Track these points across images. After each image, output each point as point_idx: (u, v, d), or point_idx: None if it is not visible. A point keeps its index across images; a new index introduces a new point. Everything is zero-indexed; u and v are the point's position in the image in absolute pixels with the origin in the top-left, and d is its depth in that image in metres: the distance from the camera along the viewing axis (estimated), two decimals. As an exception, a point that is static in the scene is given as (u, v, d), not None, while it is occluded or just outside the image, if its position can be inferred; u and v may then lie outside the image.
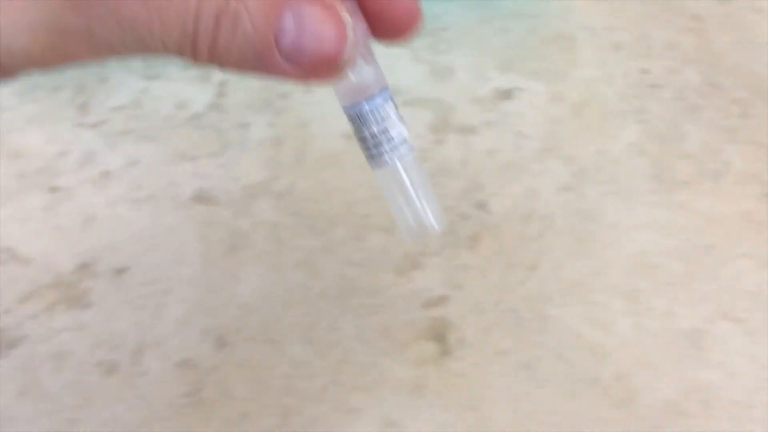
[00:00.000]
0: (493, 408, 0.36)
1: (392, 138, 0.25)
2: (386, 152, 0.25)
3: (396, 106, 0.25)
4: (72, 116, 0.48)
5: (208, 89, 0.50)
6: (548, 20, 0.52)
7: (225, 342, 0.39)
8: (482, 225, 0.42)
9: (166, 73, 0.51)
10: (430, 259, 0.41)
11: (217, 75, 0.50)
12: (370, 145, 0.25)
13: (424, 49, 0.50)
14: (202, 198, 0.43)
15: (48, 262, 0.41)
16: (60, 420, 0.36)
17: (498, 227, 0.42)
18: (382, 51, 0.24)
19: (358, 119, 0.25)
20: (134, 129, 0.47)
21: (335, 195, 0.43)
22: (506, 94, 0.47)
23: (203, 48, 0.21)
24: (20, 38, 0.19)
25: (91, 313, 0.39)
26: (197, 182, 0.44)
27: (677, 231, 0.42)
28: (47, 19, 0.19)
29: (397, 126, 0.25)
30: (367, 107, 0.24)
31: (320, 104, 0.49)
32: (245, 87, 0.50)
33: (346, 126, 0.24)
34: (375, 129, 0.24)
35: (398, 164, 0.25)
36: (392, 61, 0.49)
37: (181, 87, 0.50)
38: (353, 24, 0.22)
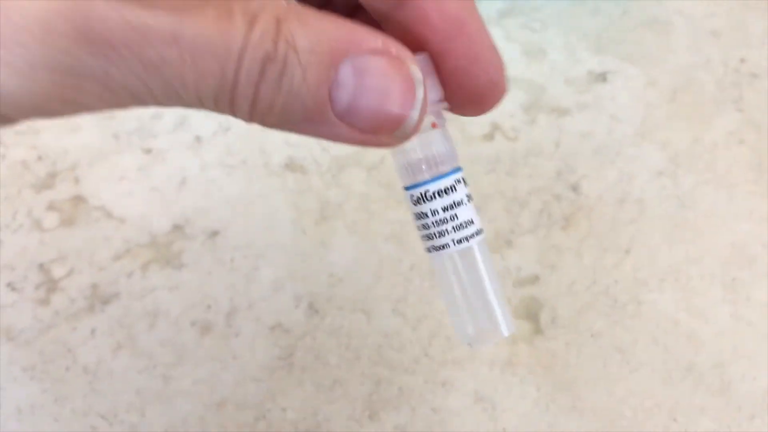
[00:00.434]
0: (585, 389, 0.37)
1: (461, 223, 0.22)
2: (450, 236, 0.22)
3: (467, 188, 0.22)
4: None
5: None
6: (642, 3, 0.51)
7: (316, 309, 0.39)
8: (575, 206, 0.42)
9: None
10: (522, 237, 0.41)
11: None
12: (430, 224, 0.22)
13: (516, 28, 0.50)
14: (293, 166, 0.44)
15: (142, 222, 0.42)
16: (155, 376, 0.37)
17: (591, 209, 0.42)
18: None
19: (422, 197, 0.22)
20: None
21: (426, 170, 0.43)
22: (601, 77, 0.47)
23: (243, 102, 0.17)
24: (17, 80, 0.16)
25: (184, 273, 0.40)
26: (288, 150, 0.45)
27: (775, 222, 0.42)
28: (54, 58, 0.16)
29: (468, 210, 0.22)
30: (434, 186, 0.21)
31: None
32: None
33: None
34: (440, 208, 0.21)
35: (467, 252, 0.22)
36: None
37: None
38: (425, 83, 0.19)
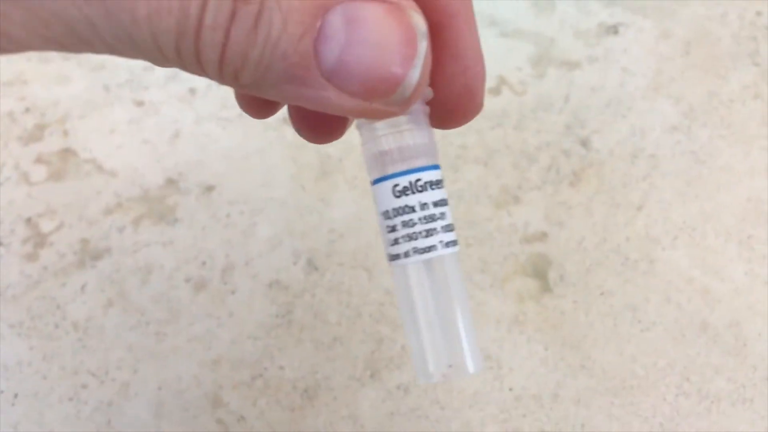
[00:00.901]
0: (595, 348, 0.36)
1: (449, 224, 0.19)
2: (439, 237, 0.19)
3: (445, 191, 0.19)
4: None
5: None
6: (655, -44, 0.50)
7: (315, 266, 0.38)
8: (585, 162, 0.41)
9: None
10: (529, 193, 0.40)
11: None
12: (417, 220, 0.18)
13: (523, -20, 0.49)
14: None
15: (134, 176, 0.41)
16: (148, 333, 0.36)
17: (602, 165, 0.41)
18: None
19: (411, 187, 0.18)
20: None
21: (430, 124, 0.42)
22: (612, 30, 0.46)
23: (211, 52, 0.15)
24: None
25: (178, 228, 0.39)
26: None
27: (793, 179, 0.41)
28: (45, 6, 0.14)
29: (445, 216, 0.19)
30: (428, 175, 0.19)
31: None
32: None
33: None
34: (431, 201, 0.18)
35: (436, 266, 0.19)
36: (490, -10, 0.47)
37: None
38: (429, 35, 0.16)
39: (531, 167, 0.41)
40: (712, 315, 0.36)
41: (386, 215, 0.19)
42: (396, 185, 0.18)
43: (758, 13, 0.48)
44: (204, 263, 0.38)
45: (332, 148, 0.42)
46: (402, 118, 0.19)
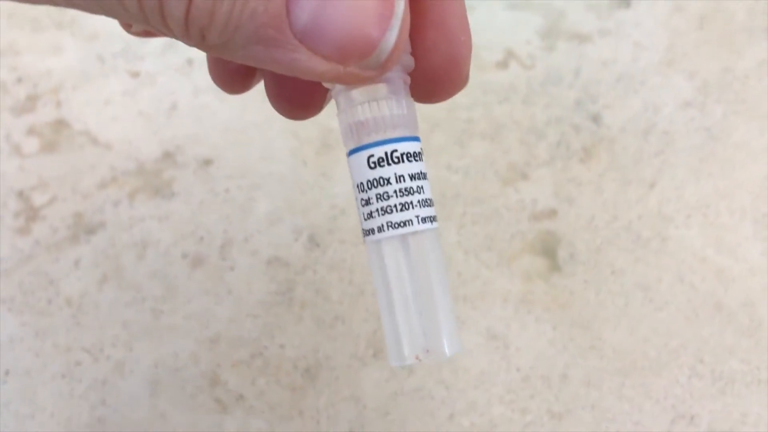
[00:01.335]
0: (606, 328, 0.35)
1: (426, 199, 0.18)
2: (415, 212, 0.18)
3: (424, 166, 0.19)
4: None
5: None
6: (669, -72, 0.49)
7: (317, 242, 0.37)
8: (596, 138, 0.40)
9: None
10: (538, 170, 0.39)
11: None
12: (392, 193, 0.18)
13: (532, -49, 0.48)
14: (292, 92, 0.42)
15: (129, 149, 0.40)
16: (143, 310, 0.36)
17: (613, 141, 0.40)
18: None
19: (386, 158, 0.18)
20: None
21: (436, 98, 0.41)
22: (624, 2, 0.45)
23: (174, 8, 0.14)
24: None
25: (175, 203, 0.38)
26: (287, 76, 0.43)
27: (810, 157, 0.40)
28: None
29: (422, 190, 0.18)
30: (405, 146, 0.18)
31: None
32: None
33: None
34: (407, 174, 0.18)
35: (411, 242, 0.18)
36: (498, -39, 0.46)
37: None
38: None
39: (539, 143, 0.40)
40: (726, 295, 0.36)
41: (360, 188, 0.18)
42: (371, 156, 0.18)
43: (774, -13, 0.47)
44: (201, 239, 0.38)
45: (334, 121, 0.41)
46: (380, 87, 0.18)
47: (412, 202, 0.18)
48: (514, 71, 0.43)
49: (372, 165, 0.18)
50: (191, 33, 0.15)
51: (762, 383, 0.33)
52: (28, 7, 0.44)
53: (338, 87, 0.19)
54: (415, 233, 0.18)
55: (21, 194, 0.39)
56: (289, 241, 0.38)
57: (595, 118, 0.41)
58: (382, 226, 0.18)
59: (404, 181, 0.18)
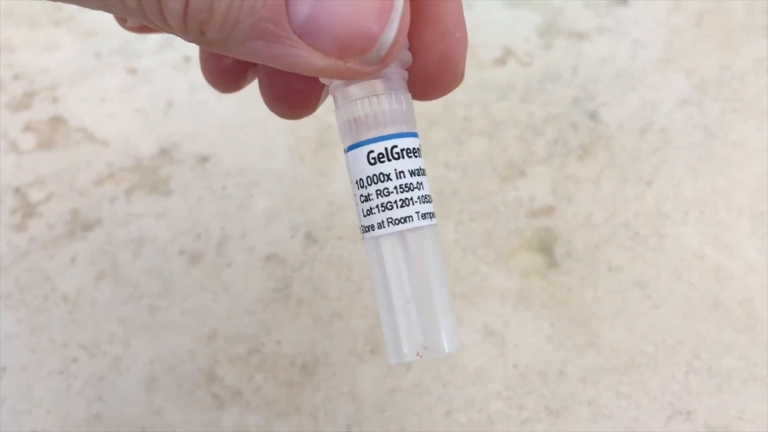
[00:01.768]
0: (603, 325, 0.35)
1: (426, 195, 0.18)
2: (415, 208, 0.18)
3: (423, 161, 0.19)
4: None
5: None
6: (667, -74, 0.49)
7: (314, 239, 0.38)
8: (594, 135, 0.41)
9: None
10: (535, 167, 0.40)
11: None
12: (393, 189, 0.18)
13: (530, -51, 0.48)
14: (289, 90, 0.42)
15: (126, 146, 0.40)
16: (140, 306, 0.36)
17: (611, 138, 0.40)
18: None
19: (386, 154, 0.18)
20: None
21: (433, 95, 0.42)
22: (622, 0, 0.45)
23: (175, 6, 0.14)
24: None
25: (172, 200, 0.39)
26: (284, 73, 0.43)
27: (808, 155, 0.40)
28: None
29: (422, 186, 0.18)
30: (405, 142, 0.18)
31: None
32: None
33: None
34: (407, 170, 0.18)
35: (411, 239, 0.18)
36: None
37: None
38: None
39: (537, 140, 0.41)
40: (723, 292, 0.36)
41: (359, 184, 0.18)
42: (371, 152, 0.18)
43: (773, -14, 0.47)
44: (199, 235, 0.38)
45: (332, 118, 0.41)
46: (378, 83, 0.18)
47: (412, 198, 0.18)
48: (512, 69, 0.43)
49: (372, 161, 0.18)
50: (190, 28, 0.15)
51: (759, 380, 0.34)
52: (25, 5, 0.44)
53: (336, 82, 0.19)
54: (414, 230, 0.18)
55: (18, 191, 0.39)
56: (287, 238, 0.38)
57: (593, 116, 0.41)
58: (382, 222, 0.18)
59: (404, 177, 0.18)
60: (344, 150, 0.19)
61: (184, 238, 0.38)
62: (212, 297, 0.36)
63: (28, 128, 0.41)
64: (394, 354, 0.18)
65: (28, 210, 0.38)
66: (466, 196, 0.39)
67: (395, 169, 0.18)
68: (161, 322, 0.36)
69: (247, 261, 0.37)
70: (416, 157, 0.19)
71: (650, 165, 0.40)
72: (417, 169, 0.18)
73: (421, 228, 0.18)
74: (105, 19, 0.45)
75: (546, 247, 0.38)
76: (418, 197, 0.18)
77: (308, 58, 0.15)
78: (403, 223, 0.18)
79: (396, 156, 0.18)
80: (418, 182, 0.18)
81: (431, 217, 0.19)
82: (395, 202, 0.18)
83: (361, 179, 0.18)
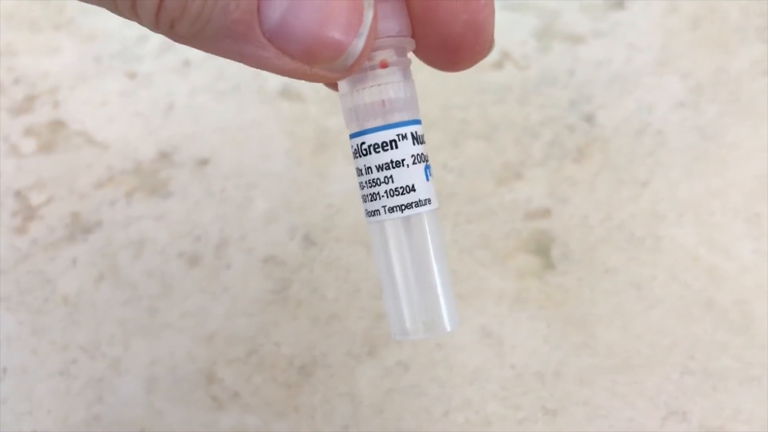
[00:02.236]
0: (599, 326, 0.36)
1: (396, 188, 0.19)
2: (382, 202, 0.19)
3: (422, 147, 0.19)
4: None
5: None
6: (663, -71, 0.50)
7: (313, 241, 0.38)
8: (590, 138, 0.41)
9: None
10: (532, 169, 0.40)
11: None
12: (364, 184, 0.19)
13: (527, -47, 0.49)
14: (288, 93, 0.43)
15: (126, 149, 0.41)
16: (140, 308, 0.36)
17: (607, 141, 0.41)
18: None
19: (357, 150, 0.19)
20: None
21: (431, 97, 0.42)
22: (618, 4, 0.45)
23: (148, 2, 0.15)
24: None
25: (171, 202, 0.39)
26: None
27: (802, 157, 0.40)
28: None
29: (409, 174, 0.19)
30: (371, 138, 0.19)
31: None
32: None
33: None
34: (374, 165, 0.19)
35: (404, 224, 0.19)
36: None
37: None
38: (375, 6, 0.16)
39: (534, 143, 0.41)
40: (718, 293, 0.36)
41: (363, 171, 0.19)
42: (375, 140, 0.19)
43: (768, -11, 0.47)
44: (198, 238, 0.38)
45: (330, 121, 0.42)
46: (381, 72, 0.19)
47: (415, 184, 0.19)
48: (509, 72, 0.43)
49: (376, 149, 0.19)
50: (161, 24, 0.15)
51: (754, 380, 0.34)
52: (26, 9, 0.45)
53: None
54: (418, 213, 0.19)
55: (18, 194, 0.39)
56: (285, 239, 0.38)
57: (589, 119, 0.42)
58: (386, 207, 0.19)
59: (408, 163, 0.19)
60: (349, 136, 0.19)
61: (184, 240, 0.38)
62: (211, 298, 0.36)
63: (29, 132, 0.41)
64: (398, 331, 0.19)
65: (28, 213, 0.39)
66: (463, 198, 0.39)
67: (400, 156, 0.19)
68: (161, 324, 0.36)
69: (245, 263, 0.37)
70: (420, 143, 0.19)
71: (646, 167, 0.40)
72: (420, 155, 0.19)
73: (423, 212, 0.19)
74: (105, 24, 0.45)
75: (542, 248, 0.38)
76: (421, 182, 0.19)
77: (276, 61, 0.16)
78: (407, 208, 0.19)
79: (400, 143, 0.19)
80: (421, 168, 0.19)
81: (433, 201, 0.19)
82: (399, 188, 0.19)
83: (364, 166, 0.19)
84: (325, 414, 0.34)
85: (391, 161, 0.19)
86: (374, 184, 0.19)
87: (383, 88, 0.19)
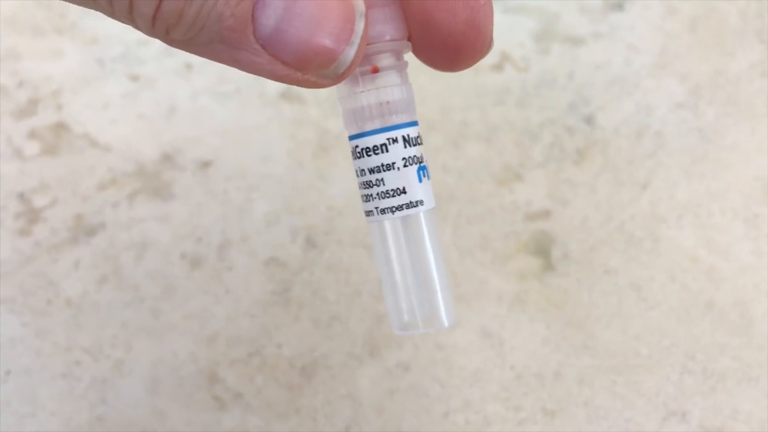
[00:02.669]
0: (598, 327, 0.36)
1: (387, 191, 0.19)
2: (374, 203, 0.19)
3: (416, 149, 0.19)
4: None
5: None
6: (662, -68, 0.50)
7: (314, 243, 0.38)
8: (590, 140, 0.41)
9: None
10: (532, 171, 0.40)
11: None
12: (360, 185, 0.19)
13: (527, -45, 0.49)
14: (289, 96, 0.43)
15: (128, 151, 0.41)
16: (143, 309, 0.36)
17: (607, 143, 0.41)
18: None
19: (354, 152, 0.19)
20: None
21: (431, 100, 0.42)
22: (617, 6, 0.45)
23: (144, 6, 0.15)
24: None
25: (174, 204, 0.39)
26: (284, 79, 0.43)
27: (801, 158, 0.40)
28: None
29: (400, 177, 0.19)
30: (363, 142, 0.19)
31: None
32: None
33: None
34: (366, 168, 0.19)
35: (412, 221, 0.19)
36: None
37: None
38: (367, 16, 0.16)
39: (534, 145, 0.41)
40: (717, 294, 0.36)
41: (362, 172, 0.19)
42: (372, 142, 0.19)
43: (766, -9, 0.47)
44: (200, 239, 0.38)
45: (331, 123, 0.42)
46: (383, 75, 0.19)
47: (406, 186, 0.19)
48: (509, 74, 0.43)
49: (368, 152, 0.19)
50: (156, 29, 0.16)
51: (753, 380, 0.34)
52: (28, 13, 0.45)
53: None
54: (416, 213, 0.19)
55: (22, 196, 0.39)
56: (287, 241, 0.38)
57: (589, 120, 0.42)
58: (379, 208, 0.19)
59: (399, 166, 0.19)
60: (348, 137, 0.20)
61: (186, 242, 0.38)
62: (213, 300, 0.36)
63: (32, 135, 0.41)
64: (397, 326, 0.20)
65: (32, 215, 0.39)
66: (463, 200, 0.39)
67: (397, 158, 0.19)
68: (163, 325, 0.36)
69: (247, 265, 0.37)
70: (417, 144, 0.19)
71: (645, 168, 0.40)
72: (417, 156, 0.19)
73: (421, 211, 0.19)
74: (108, 27, 0.45)
75: (542, 250, 0.38)
76: (418, 183, 0.19)
77: (269, 66, 0.16)
78: (405, 208, 0.19)
79: (396, 145, 0.19)
80: (417, 169, 0.19)
81: (430, 201, 0.19)
82: (396, 189, 0.19)
83: (363, 168, 0.19)
84: (327, 415, 0.34)
85: (382, 164, 0.19)
86: (368, 185, 0.19)
87: (381, 91, 0.19)
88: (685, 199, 0.39)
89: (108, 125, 0.42)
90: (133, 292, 0.37)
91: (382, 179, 0.19)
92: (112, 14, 0.16)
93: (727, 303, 0.36)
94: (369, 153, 0.19)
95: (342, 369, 0.35)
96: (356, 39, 0.16)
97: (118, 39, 0.44)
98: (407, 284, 0.19)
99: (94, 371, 0.35)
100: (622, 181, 0.39)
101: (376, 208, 0.19)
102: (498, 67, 0.43)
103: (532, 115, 0.42)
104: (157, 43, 0.44)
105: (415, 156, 0.19)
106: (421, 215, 0.19)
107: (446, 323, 0.20)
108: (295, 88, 0.42)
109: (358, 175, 0.20)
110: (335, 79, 0.17)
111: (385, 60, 0.19)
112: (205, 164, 0.40)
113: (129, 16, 0.15)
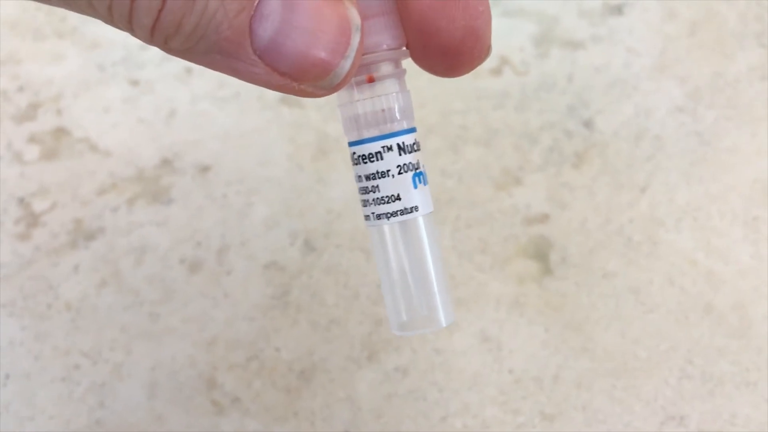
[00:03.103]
0: (597, 330, 0.35)
1: (382, 197, 0.19)
2: (370, 209, 0.19)
3: (413, 156, 0.19)
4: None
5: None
6: (661, -65, 0.50)
7: (313, 246, 0.38)
8: (588, 143, 0.41)
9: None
10: (531, 175, 0.40)
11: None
12: (358, 190, 0.20)
13: (526, -41, 0.48)
14: (288, 100, 0.43)
15: (128, 156, 0.41)
16: (142, 313, 0.36)
17: (606, 146, 0.41)
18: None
19: (352, 159, 0.19)
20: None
21: (430, 104, 0.42)
22: (616, 9, 0.45)
23: (144, 17, 0.15)
24: None
25: (173, 208, 0.39)
26: (284, 83, 0.43)
27: (800, 161, 0.40)
28: None
29: (395, 184, 0.19)
30: (360, 149, 0.19)
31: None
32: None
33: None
34: (363, 175, 0.19)
35: (410, 225, 0.19)
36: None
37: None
38: (362, 26, 0.17)
39: (533, 148, 0.41)
40: (716, 297, 0.36)
41: (361, 178, 0.20)
42: (371, 149, 0.19)
43: (766, -6, 0.47)
44: (199, 243, 0.38)
45: (330, 127, 0.42)
46: (381, 83, 0.19)
47: (400, 193, 0.19)
48: (508, 78, 0.43)
49: (363, 159, 0.19)
50: (155, 39, 0.16)
51: (751, 384, 0.34)
52: (30, 17, 0.45)
53: None
54: (414, 218, 0.19)
55: (22, 201, 0.39)
56: (286, 245, 0.38)
57: (588, 124, 0.41)
58: (380, 213, 0.19)
59: (394, 173, 0.19)
60: (348, 143, 0.20)
61: (185, 246, 0.38)
62: (212, 304, 0.36)
63: (32, 139, 0.41)
64: (396, 327, 0.20)
65: (31, 219, 0.39)
66: (462, 203, 0.39)
67: (396, 164, 0.19)
68: (162, 329, 0.36)
69: (246, 268, 0.37)
70: (415, 151, 0.19)
71: (644, 172, 0.40)
72: (416, 163, 0.19)
73: (420, 215, 0.19)
74: (108, 32, 0.45)
75: (541, 253, 0.38)
76: (416, 188, 0.19)
77: (266, 77, 0.16)
78: (392, 216, 0.19)
79: (395, 152, 0.19)
80: (416, 174, 0.19)
81: (428, 205, 0.20)
82: (395, 194, 0.19)
83: (362, 174, 0.19)
84: (325, 418, 0.34)
85: (378, 171, 0.19)
86: (365, 191, 0.20)
87: (377, 99, 0.19)
88: (684, 202, 0.39)
89: (108, 129, 0.42)
90: (133, 296, 0.37)
91: (377, 186, 0.19)
92: (112, 23, 0.16)
93: (726, 306, 0.36)
94: (365, 160, 0.19)
95: (340, 373, 0.35)
96: (351, 52, 0.16)
97: (118, 43, 0.44)
98: (405, 286, 0.20)
99: (93, 375, 0.35)
100: (621, 185, 0.39)
101: (373, 213, 0.20)
102: (497, 71, 0.43)
103: (531, 118, 0.42)
104: (157, 49, 0.44)
105: (410, 163, 0.19)
106: (419, 220, 0.20)
107: (444, 323, 0.20)
108: (294, 92, 0.42)
109: (356, 181, 0.20)
110: (330, 89, 0.17)
111: (381, 69, 0.19)
112: (205, 168, 0.40)
113: (128, 26, 0.16)
